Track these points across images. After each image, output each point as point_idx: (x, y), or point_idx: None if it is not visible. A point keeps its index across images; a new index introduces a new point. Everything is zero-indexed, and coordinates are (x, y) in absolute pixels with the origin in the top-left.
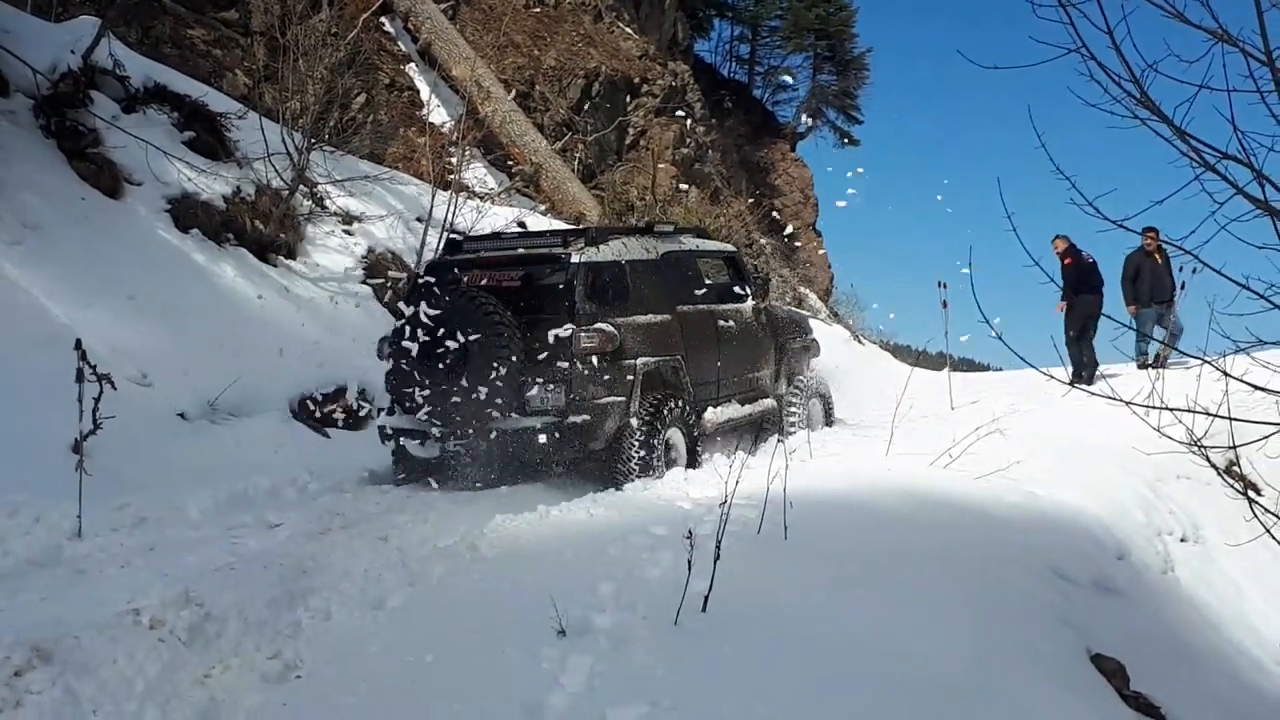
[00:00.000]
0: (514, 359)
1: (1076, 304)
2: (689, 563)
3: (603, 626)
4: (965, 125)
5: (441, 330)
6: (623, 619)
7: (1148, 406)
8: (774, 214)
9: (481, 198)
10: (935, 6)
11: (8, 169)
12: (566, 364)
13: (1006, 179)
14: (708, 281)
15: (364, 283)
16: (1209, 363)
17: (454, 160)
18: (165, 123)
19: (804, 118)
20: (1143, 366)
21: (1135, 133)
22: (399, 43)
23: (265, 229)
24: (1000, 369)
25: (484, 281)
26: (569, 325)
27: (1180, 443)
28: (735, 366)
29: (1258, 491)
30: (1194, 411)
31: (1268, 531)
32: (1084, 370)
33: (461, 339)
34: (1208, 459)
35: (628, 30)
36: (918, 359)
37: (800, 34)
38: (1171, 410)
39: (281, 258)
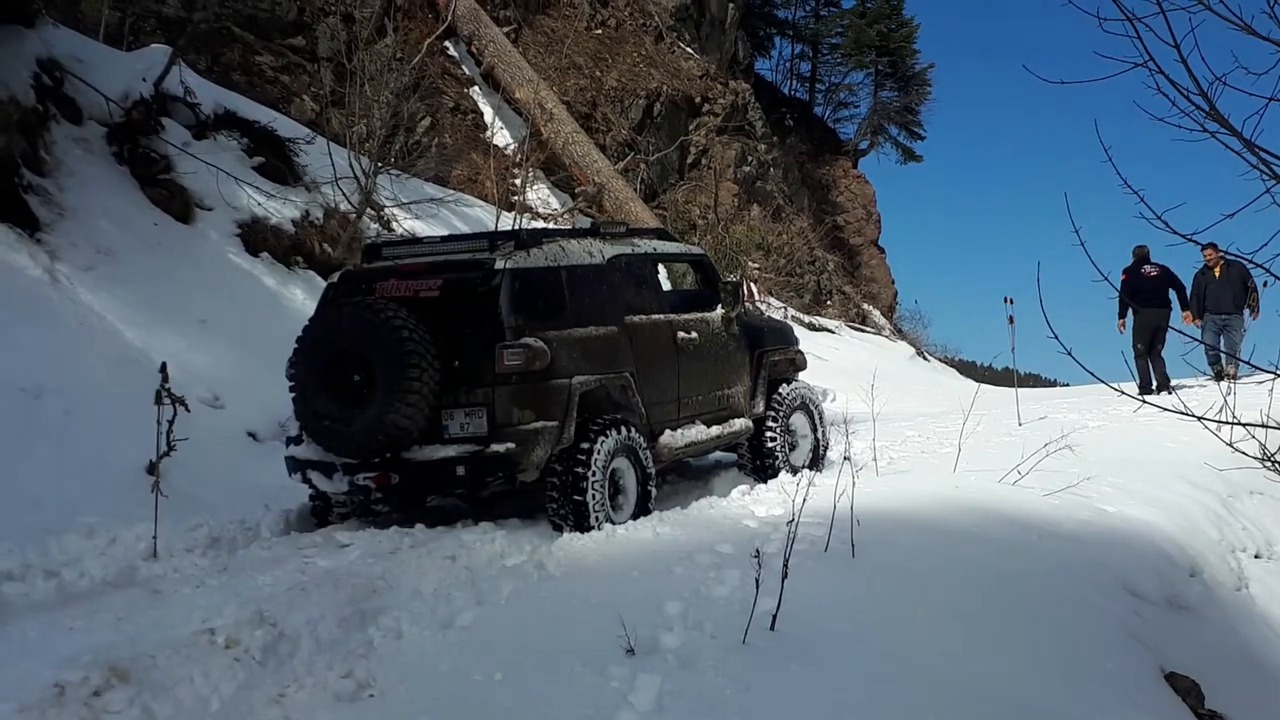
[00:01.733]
0: (426, 380)
1: (1140, 317)
2: (757, 581)
3: (671, 645)
4: (1032, 140)
5: (344, 349)
6: (691, 638)
7: (1219, 421)
8: (836, 231)
9: (545, 218)
10: (999, 22)
11: (81, 195)
12: (488, 386)
13: (1074, 194)
14: (667, 288)
15: None
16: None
17: (518, 182)
18: (235, 148)
19: (866, 134)
20: (1218, 378)
21: (1204, 146)
22: (463, 66)
23: (334, 252)
24: (1068, 384)
25: (399, 292)
26: (491, 341)
27: (1253, 458)
28: (700, 383)
29: None
30: (1267, 426)
31: None
32: (1155, 384)
33: (368, 358)
34: None
35: (688, 50)
36: (984, 375)
37: (861, 51)
38: (1244, 425)
39: None
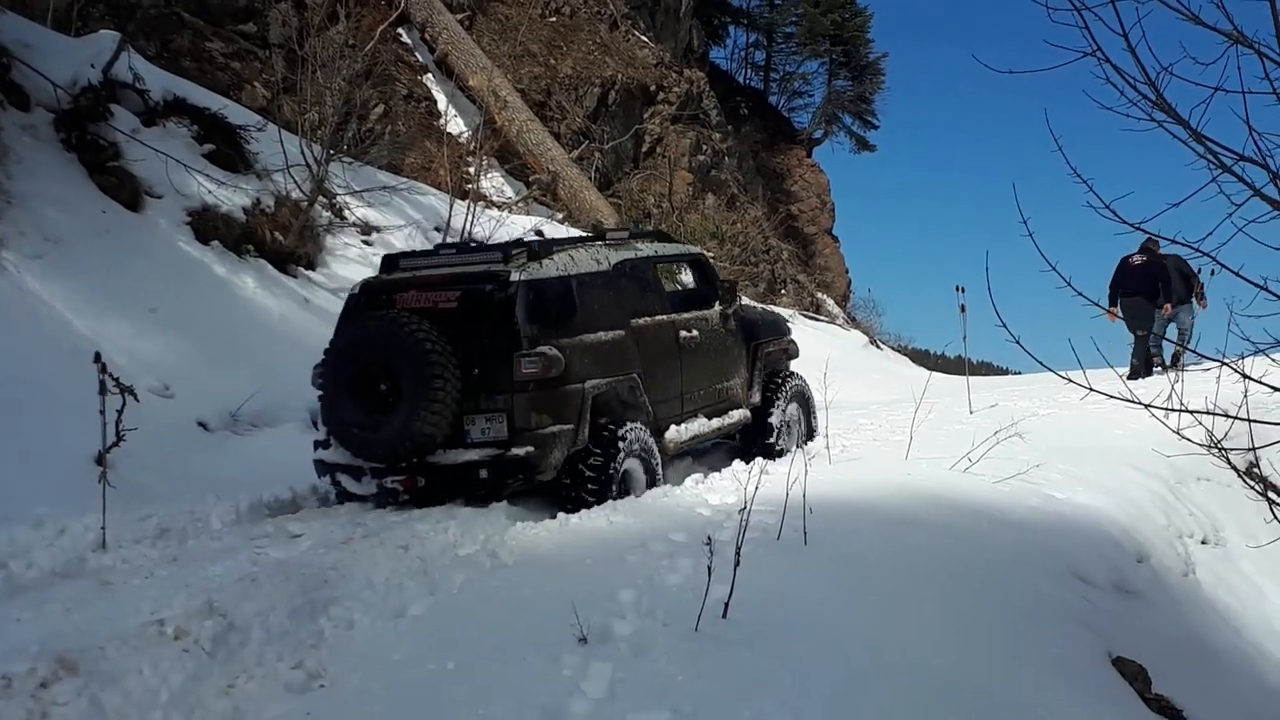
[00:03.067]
0: (449, 389)
1: (1122, 305)
2: (709, 569)
3: (623, 633)
4: (982, 129)
5: (371, 360)
6: (643, 626)
7: (1166, 409)
8: (791, 220)
9: (499, 206)
10: (951, 11)
11: (29, 183)
12: (507, 392)
13: (1025, 182)
14: (668, 289)
15: None
16: (1227, 364)
17: (472, 170)
18: (185, 136)
19: (820, 123)
20: (1163, 366)
21: (1152, 135)
22: (416, 54)
23: (285, 240)
24: (1020, 372)
25: (418, 304)
26: (509, 350)
27: (1200, 445)
28: (701, 379)
29: (1278, 493)
30: (1212, 413)
31: None
32: (1138, 371)
33: (395, 368)
34: (1228, 461)
35: (643, 39)
36: (936, 363)
37: (815, 40)
38: (1191, 412)
39: (301, 269)
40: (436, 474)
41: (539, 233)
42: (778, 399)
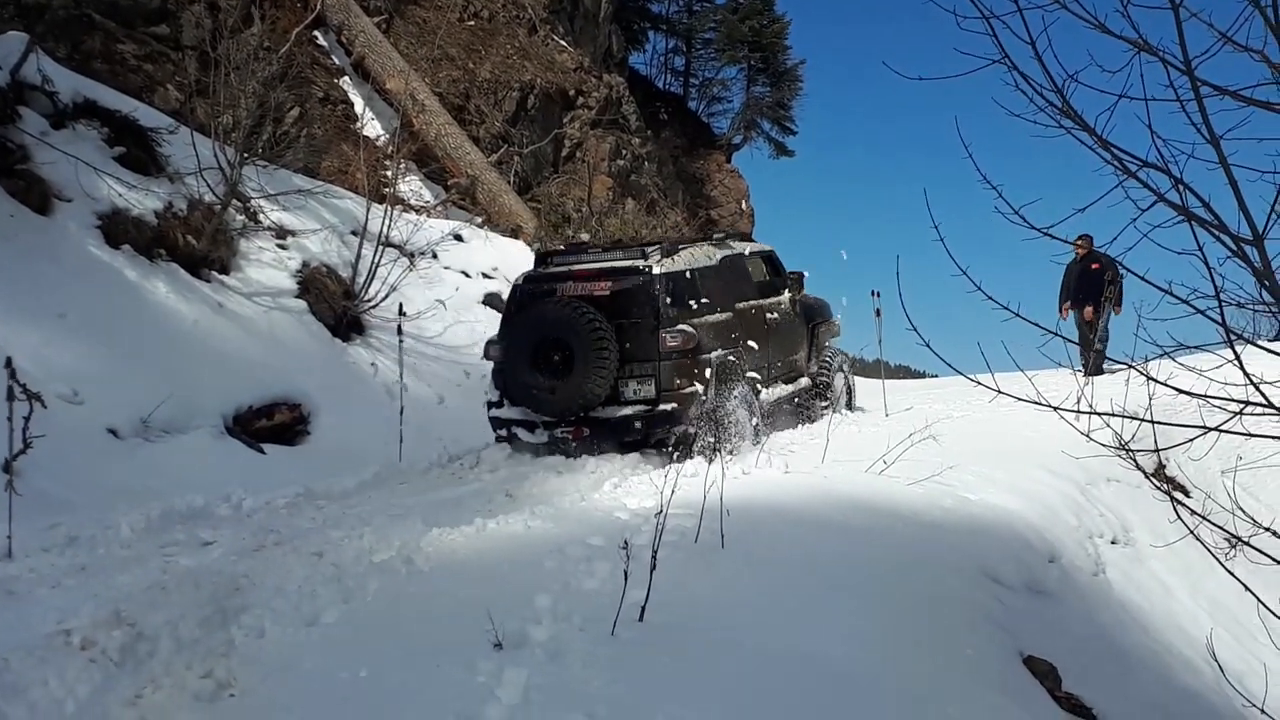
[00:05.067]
0: (611, 359)
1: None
2: (625, 573)
3: (539, 639)
4: (898, 134)
5: (549, 336)
6: (559, 630)
7: (1074, 411)
8: (710, 224)
9: (417, 210)
10: (865, 18)
11: None
12: (654, 360)
13: (936, 189)
14: (755, 280)
15: (298, 297)
16: (1134, 367)
17: (389, 173)
18: (95, 138)
19: (739, 129)
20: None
21: (1060, 142)
22: (332, 56)
23: (198, 244)
24: (935, 375)
25: (577, 292)
26: (655, 327)
27: (1108, 446)
28: (780, 352)
29: (1185, 493)
30: (1119, 415)
31: (1191, 533)
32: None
33: (568, 343)
34: (1135, 462)
35: (562, 43)
36: (853, 367)
37: (734, 46)
38: (1098, 414)
39: (214, 273)
40: (599, 426)
41: (457, 237)
42: (829, 370)
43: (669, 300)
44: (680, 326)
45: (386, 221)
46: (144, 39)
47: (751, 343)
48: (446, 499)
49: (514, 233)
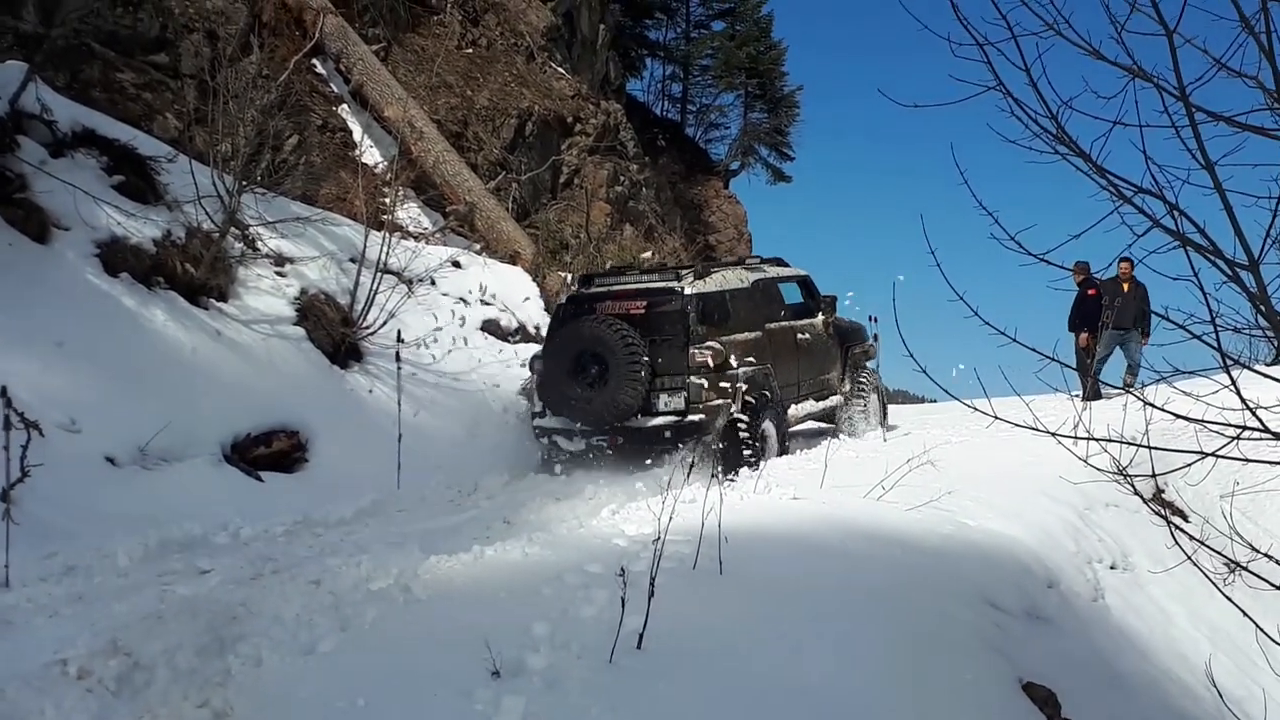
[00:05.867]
0: (644, 372)
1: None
2: (623, 600)
3: (537, 667)
4: (895, 160)
5: (587, 351)
6: (557, 658)
7: (1073, 437)
8: (708, 250)
9: (416, 237)
10: (861, 45)
11: None
12: (684, 375)
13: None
14: (787, 302)
15: (297, 324)
16: (1131, 392)
17: (387, 200)
18: (94, 167)
19: (737, 155)
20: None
21: (1055, 168)
22: (331, 84)
23: (196, 272)
24: (935, 400)
25: (615, 310)
26: (686, 344)
27: (1106, 472)
28: (810, 370)
29: (1184, 518)
30: (1116, 441)
31: (1189, 558)
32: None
33: (604, 357)
34: (1133, 487)
35: (560, 70)
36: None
37: (731, 73)
38: (1096, 440)
39: (213, 300)
40: (633, 434)
41: (456, 264)
42: (864, 390)
43: (700, 318)
44: (709, 343)
45: (385, 248)
46: (143, 68)
47: (781, 360)
48: (444, 526)
49: (512, 259)
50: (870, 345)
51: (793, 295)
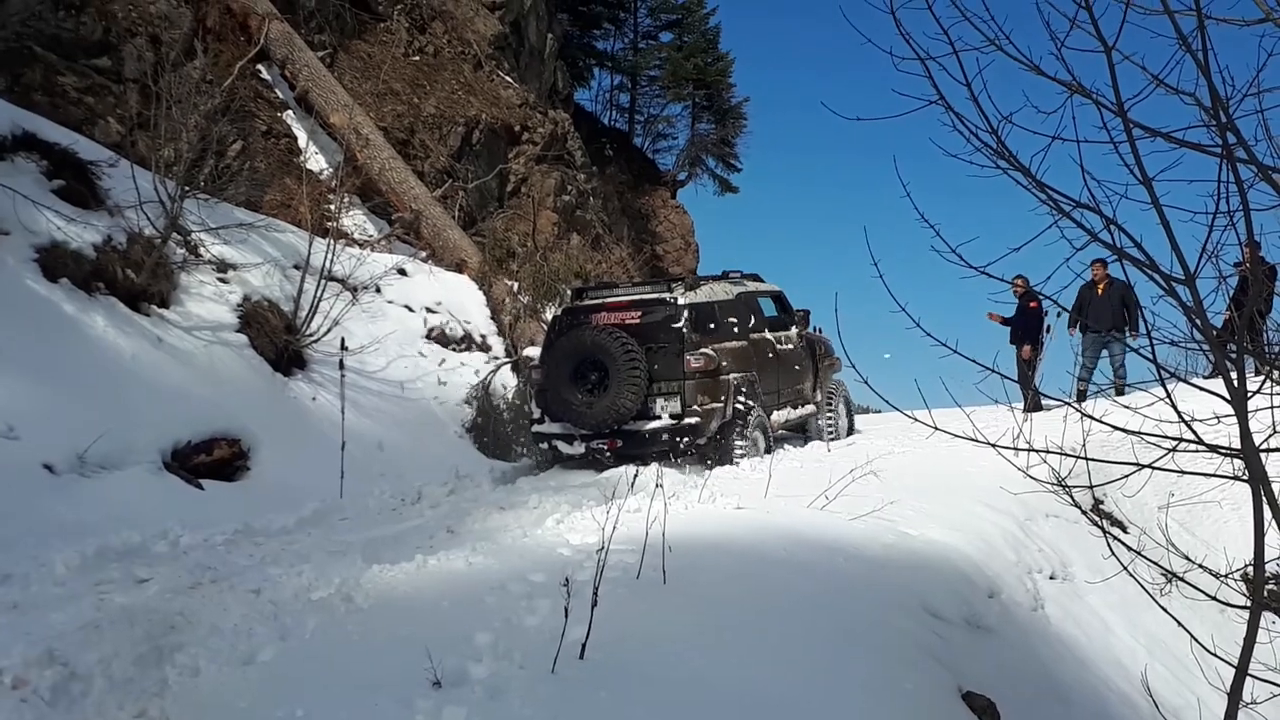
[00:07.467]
0: (641, 378)
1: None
2: (566, 610)
3: (479, 676)
4: (839, 172)
5: (587, 358)
6: (499, 668)
7: (1013, 448)
8: (655, 260)
9: (361, 244)
10: (807, 58)
11: None
12: (680, 380)
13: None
14: (766, 315)
15: (239, 331)
16: (1069, 404)
17: (332, 207)
18: (34, 171)
19: (684, 165)
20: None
21: (996, 182)
22: (276, 90)
23: (137, 278)
24: (878, 411)
25: (611, 320)
26: (681, 351)
27: (1046, 483)
28: (788, 379)
29: (1123, 529)
30: (1054, 452)
31: (1125, 569)
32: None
33: (604, 364)
34: (1071, 498)
35: (508, 79)
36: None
37: (679, 83)
38: (1037, 451)
39: (154, 307)
40: (631, 438)
41: (401, 271)
42: (834, 400)
43: (693, 327)
44: (703, 350)
45: (329, 255)
46: (85, 71)
47: (764, 369)
48: (387, 535)
49: (458, 267)
50: (837, 359)
51: (769, 309)
